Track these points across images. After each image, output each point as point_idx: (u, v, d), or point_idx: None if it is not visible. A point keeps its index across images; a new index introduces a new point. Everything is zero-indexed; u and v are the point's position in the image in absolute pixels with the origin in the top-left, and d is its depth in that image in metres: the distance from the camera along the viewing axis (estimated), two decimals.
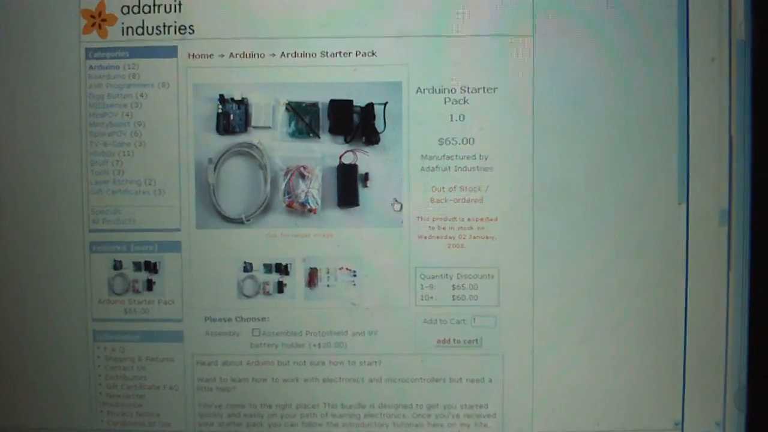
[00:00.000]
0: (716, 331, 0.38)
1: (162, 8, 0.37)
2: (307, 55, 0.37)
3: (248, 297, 0.38)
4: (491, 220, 0.38)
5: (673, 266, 0.38)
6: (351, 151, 0.38)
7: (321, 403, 0.39)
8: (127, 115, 0.38)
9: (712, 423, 0.39)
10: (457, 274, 0.38)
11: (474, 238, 0.38)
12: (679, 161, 0.37)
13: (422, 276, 0.38)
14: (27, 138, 0.38)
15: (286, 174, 0.38)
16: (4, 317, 0.39)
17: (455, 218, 0.38)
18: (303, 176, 0.38)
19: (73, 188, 0.38)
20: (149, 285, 0.39)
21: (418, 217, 0.38)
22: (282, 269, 0.38)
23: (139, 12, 0.38)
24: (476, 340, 0.38)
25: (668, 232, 0.38)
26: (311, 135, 0.38)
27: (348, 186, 0.38)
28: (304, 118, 0.37)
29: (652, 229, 0.38)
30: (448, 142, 0.37)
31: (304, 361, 0.38)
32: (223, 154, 0.38)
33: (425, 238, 0.38)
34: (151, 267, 0.39)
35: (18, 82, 0.38)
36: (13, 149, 0.38)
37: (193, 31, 0.37)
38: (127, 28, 0.38)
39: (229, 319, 0.39)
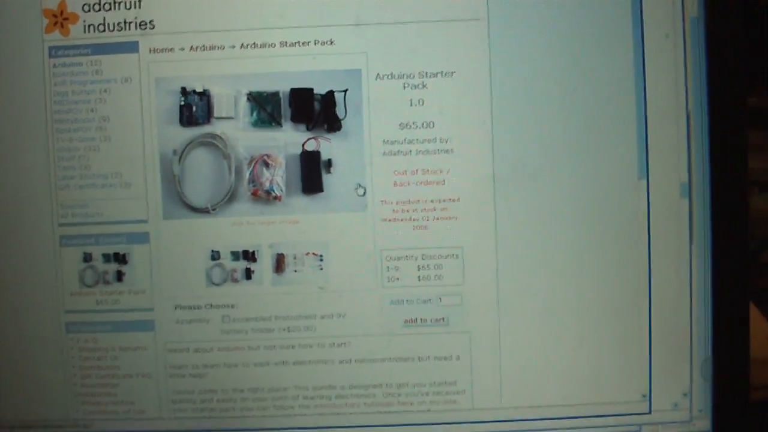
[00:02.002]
0: (680, 303, 0.41)
1: (122, 5, 0.40)
2: (267, 45, 0.40)
3: (217, 284, 0.41)
4: (454, 200, 0.41)
5: (635, 241, 0.41)
6: (313, 138, 0.40)
7: (292, 386, 0.42)
8: (92, 110, 0.41)
9: (679, 394, 0.42)
10: (422, 255, 0.41)
11: (437, 219, 0.41)
12: (637, 137, 0.40)
13: (388, 258, 0.41)
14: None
15: (250, 163, 0.41)
16: None
17: (418, 200, 0.41)
18: (267, 164, 0.41)
19: (41, 184, 0.41)
20: (119, 276, 0.42)
21: (382, 201, 0.41)
22: (249, 256, 0.41)
23: (100, 9, 0.40)
24: (443, 318, 0.41)
25: (629, 207, 0.41)
26: (273, 124, 0.40)
27: (311, 173, 0.40)
28: (265, 108, 0.40)
29: (613, 206, 0.41)
30: (408, 127, 0.40)
31: (274, 345, 0.41)
32: (187, 146, 0.41)
33: (389, 221, 0.41)
34: (120, 258, 0.41)
35: None
36: None
37: (154, 26, 0.40)
38: (89, 25, 0.40)
39: (199, 307, 0.41)
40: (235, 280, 0.41)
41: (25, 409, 0.42)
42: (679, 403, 0.41)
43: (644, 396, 0.41)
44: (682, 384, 0.41)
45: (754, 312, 0.49)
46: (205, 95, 0.40)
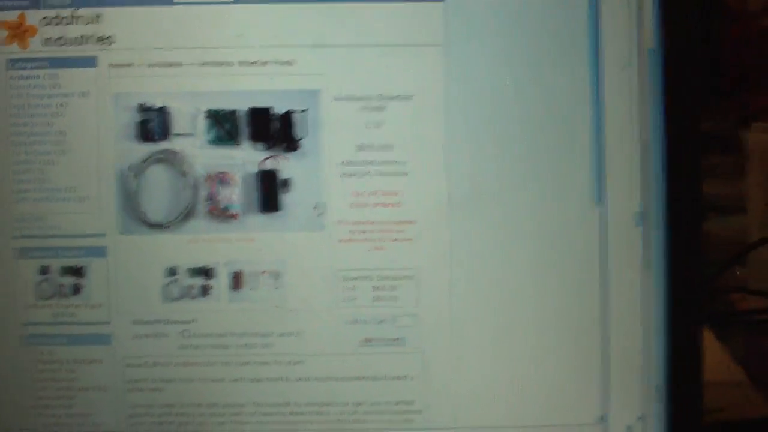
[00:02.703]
0: (635, 328, 0.42)
1: (82, 19, 0.40)
2: (226, 64, 0.41)
3: (174, 300, 0.42)
4: (410, 223, 0.41)
5: (590, 266, 0.41)
6: (271, 157, 0.41)
7: (249, 402, 0.42)
8: (48, 124, 0.41)
9: (635, 417, 0.43)
10: (378, 275, 0.42)
11: (394, 240, 0.41)
12: (594, 164, 0.41)
13: (344, 278, 0.42)
14: None
15: (206, 180, 0.41)
16: None
17: (375, 222, 0.41)
18: (223, 182, 0.41)
19: None
20: (76, 289, 0.42)
21: (339, 222, 0.41)
22: (206, 273, 0.42)
23: (59, 23, 0.41)
24: (398, 339, 0.42)
25: (585, 233, 0.41)
26: (231, 142, 0.41)
27: (269, 192, 0.41)
28: (224, 126, 0.41)
29: (569, 231, 0.41)
30: (366, 149, 0.41)
31: (231, 362, 0.42)
32: (144, 162, 0.41)
33: (346, 241, 0.41)
34: (77, 272, 0.42)
35: None
36: None
37: (113, 41, 0.41)
38: (48, 38, 0.41)
39: (157, 322, 0.42)
40: (193, 297, 0.41)
41: None
42: (633, 427, 0.42)
43: (599, 418, 0.42)
44: (637, 407, 0.42)
45: (709, 335, 0.51)
46: (163, 111, 0.40)
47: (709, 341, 0.54)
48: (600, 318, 0.41)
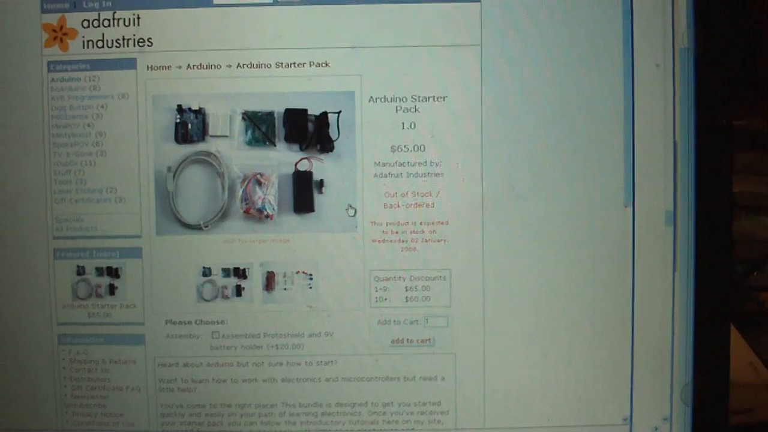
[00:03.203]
0: (663, 329, 0.42)
1: (121, 22, 0.41)
2: (263, 65, 0.41)
3: (207, 300, 0.42)
4: (443, 224, 0.42)
5: (620, 267, 0.42)
6: (306, 158, 0.42)
7: (279, 403, 0.43)
8: (89, 125, 0.42)
9: (660, 418, 0.43)
10: (410, 276, 0.42)
11: (426, 241, 0.42)
12: (625, 165, 0.41)
13: (376, 279, 0.42)
14: None
15: (243, 181, 0.42)
16: None
17: (408, 222, 0.42)
18: (260, 183, 0.42)
19: (37, 197, 0.42)
20: (111, 290, 0.43)
21: (372, 222, 0.42)
22: (240, 273, 0.42)
23: (99, 26, 0.42)
24: (429, 339, 0.43)
25: (615, 233, 0.42)
26: (267, 143, 0.42)
27: (303, 192, 0.42)
28: (260, 127, 0.41)
29: (599, 232, 0.42)
30: (400, 149, 0.42)
31: (263, 362, 0.43)
32: (181, 163, 0.42)
33: (379, 242, 0.42)
34: (113, 272, 0.43)
35: None
36: None
37: (152, 43, 0.41)
38: (88, 41, 0.42)
39: (189, 322, 0.43)
40: (226, 297, 0.42)
41: (16, 419, 0.43)
42: (659, 428, 0.43)
43: (625, 419, 0.42)
44: (662, 408, 0.42)
45: (736, 337, 0.51)
46: (200, 113, 0.41)
47: (738, 342, 0.54)
48: (629, 318, 0.41)
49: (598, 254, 0.41)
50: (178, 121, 0.41)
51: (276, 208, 0.41)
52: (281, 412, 0.42)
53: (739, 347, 0.54)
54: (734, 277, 0.55)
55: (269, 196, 0.41)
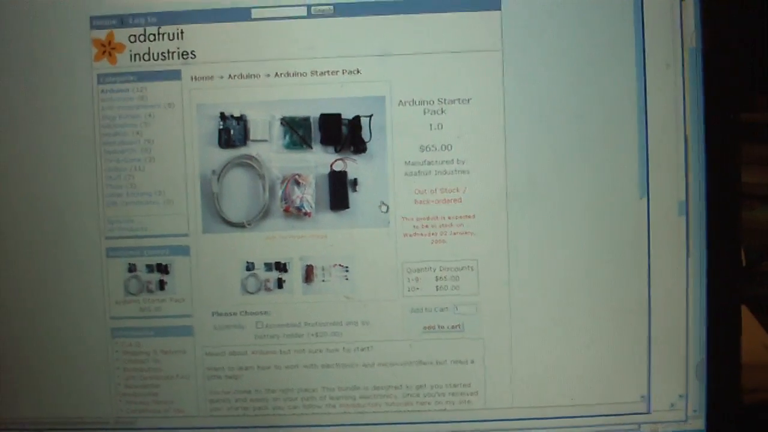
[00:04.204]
0: (677, 311, 0.45)
1: (166, 36, 0.45)
2: (299, 74, 0.44)
3: (251, 293, 0.46)
4: (469, 217, 0.45)
5: (636, 254, 0.45)
6: (341, 159, 0.45)
7: (320, 387, 0.46)
8: (137, 133, 0.45)
9: (676, 395, 0.46)
10: (440, 267, 0.45)
11: (454, 234, 0.45)
12: (639, 159, 0.44)
13: (408, 270, 0.45)
14: (49, 157, 0.45)
15: (282, 182, 0.45)
16: (30, 318, 0.46)
17: (437, 217, 0.45)
18: (298, 183, 0.45)
19: (90, 200, 0.45)
20: (161, 285, 0.46)
21: (403, 218, 0.45)
22: (281, 267, 0.45)
23: (145, 40, 0.45)
24: (459, 325, 0.46)
25: (632, 223, 0.45)
26: (304, 146, 0.45)
27: (339, 191, 0.45)
28: (297, 131, 0.45)
29: (616, 222, 0.45)
30: (428, 149, 0.45)
31: (304, 350, 0.46)
32: (225, 166, 0.45)
33: (410, 235, 0.45)
34: (162, 269, 0.46)
35: (40, 107, 0.44)
36: (36, 167, 0.45)
37: (195, 56, 0.45)
38: (135, 54, 0.45)
39: (235, 314, 0.46)
40: (268, 290, 0.45)
41: (73, 408, 0.46)
42: (675, 404, 0.46)
43: (643, 397, 0.45)
44: (678, 386, 0.45)
45: (751, 320, 0.54)
46: (242, 120, 0.44)
47: (753, 326, 0.57)
48: (645, 302, 0.44)
49: (616, 242, 0.44)
50: (221, 127, 0.44)
51: (313, 206, 0.44)
52: (322, 396, 0.45)
53: (754, 330, 0.57)
54: (749, 263, 0.58)
55: (307, 195, 0.44)
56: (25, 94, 0.45)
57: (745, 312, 0.51)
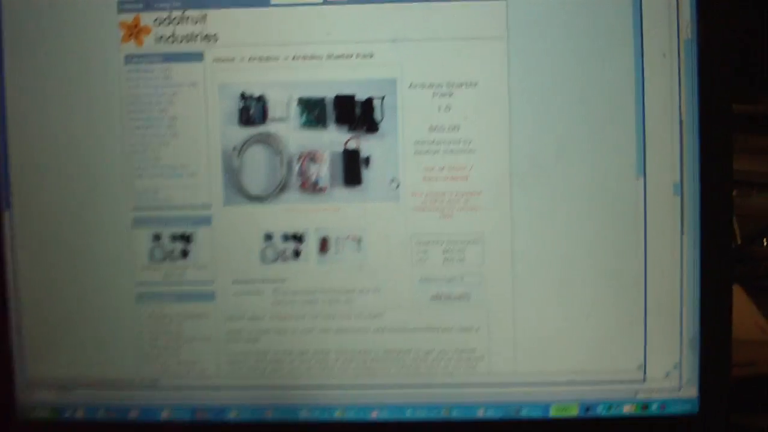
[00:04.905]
0: (672, 286, 0.61)
1: (190, 20, 0.62)
2: (315, 57, 0.62)
3: (269, 262, 0.64)
4: (475, 194, 0.62)
5: (634, 231, 0.61)
6: (354, 138, 0.64)
7: (334, 350, 0.63)
8: (162, 111, 0.62)
9: (671, 365, 0.63)
10: (448, 240, 0.62)
11: (461, 209, 0.63)
12: (636, 142, 0.61)
13: (417, 242, 0.63)
14: (79, 133, 0.62)
15: (299, 158, 0.63)
16: (61, 284, 0.63)
17: (445, 193, 0.62)
18: (314, 160, 0.64)
19: (118, 174, 0.62)
20: (184, 254, 0.64)
21: (413, 193, 0.62)
22: (297, 238, 0.63)
23: (170, 23, 0.63)
24: (465, 295, 0.63)
25: (629, 202, 0.61)
26: (320, 125, 0.63)
27: (352, 168, 0.62)
28: (313, 111, 0.64)
29: (615, 200, 0.61)
30: (437, 129, 0.61)
31: (318, 315, 0.63)
32: (245, 143, 0.63)
33: (419, 210, 0.62)
34: (185, 238, 0.63)
35: (70, 86, 0.61)
36: (67, 143, 0.62)
37: (218, 39, 0.62)
38: (160, 37, 0.62)
39: (254, 281, 0.64)
40: (285, 259, 0.64)
41: (100, 368, 0.65)
42: (670, 373, 0.63)
43: (640, 366, 0.63)
44: (673, 356, 0.63)
45: (744, 298, 0.76)
46: (261, 99, 0.62)
47: (746, 304, 0.79)
48: (642, 277, 0.63)
49: (615, 219, 0.61)
50: (241, 106, 0.62)
51: (328, 181, 0.63)
52: (335, 359, 0.64)
53: (747, 309, 0.78)
54: (744, 245, 0.79)
55: (322, 171, 0.63)
56: (56, 75, 0.62)
57: (741, 292, 0.73)
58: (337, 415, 0.65)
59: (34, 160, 0.64)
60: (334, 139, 0.63)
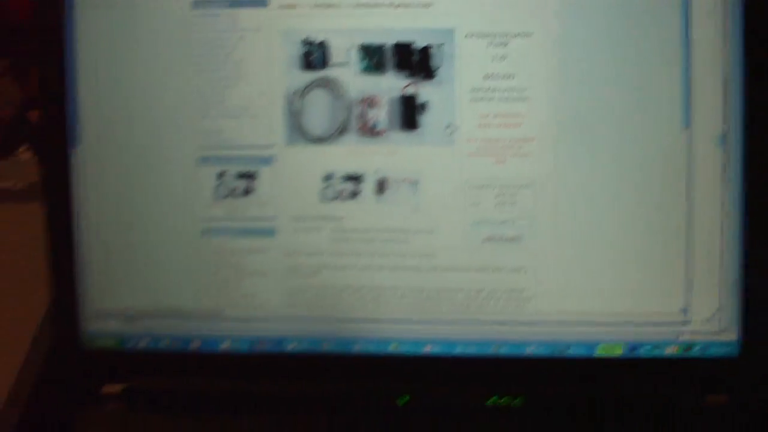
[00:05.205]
0: (715, 232, 0.71)
1: None
2: (377, 5, 0.71)
3: (328, 201, 0.73)
4: (528, 141, 0.72)
5: (679, 178, 0.70)
6: (411, 84, 0.73)
7: (389, 287, 0.73)
8: (227, 55, 0.72)
9: (713, 308, 0.72)
10: (500, 184, 0.72)
11: (514, 155, 0.72)
12: (682, 93, 0.70)
13: (471, 187, 0.72)
14: (147, 75, 0.73)
15: (358, 103, 0.72)
16: (130, 218, 0.74)
17: (498, 140, 0.73)
18: (372, 104, 0.73)
19: (185, 115, 0.73)
20: (247, 191, 0.74)
21: (468, 139, 0.72)
22: (356, 179, 0.72)
23: None
24: (516, 237, 0.73)
25: (674, 152, 0.70)
26: (379, 71, 0.72)
27: (409, 113, 0.71)
28: (373, 57, 0.72)
29: (661, 149, 0.70)
30: (491, 78, 0.71)
31: (374, 254, 0.72)
32: (306, 86, 0.72)
33: (474, 156, 0.72)
34: (248, 176, 0.74)
35: (139, 29, 0.72)
36: (135, 84, 0.73)
37: None
38: None
39: (313, 219, 0.74)
40: (344, 199, 0.73)
41: (164, 300, 0.76)
42: (712, 316, 0.73)
43: (682, 309, 0.73)
44: (715, 300, 0.72)
45: None
46: (323, 45, 0.72)
47: None
48: (686, 224, 0.71)
49: (661, 168, 0.71)
50: (303, 51, 0.72)
51: (386, 125, 0.72)
52: (390, 295, 0.74)
53: None
54: None
55: (380, 115, 0.72)
56: (126, 19, 0.73)
57: None
58: (392, 348, 0.76)
59: (103, 99, 0.75)
60: (392, 84, 0.73)
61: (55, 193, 0.75)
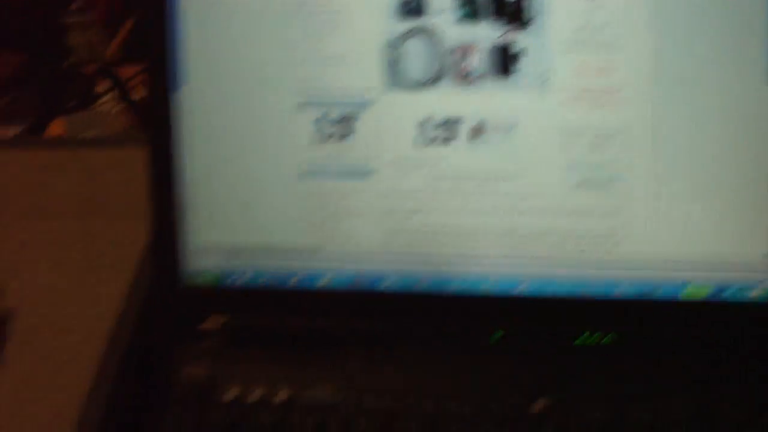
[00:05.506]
0: None
1: None
2: None
3: (424, 146, 0.86)
4: (621, 89, 0.80)
5: (763, 131, 0.83)
6: (507, 33, 0.83)
7: (483, 229, 0.83)
8: (325, 4, 0.84)
9: None
10: (595, 133, 0.83)
11: (606, 104, 0.81)
12: (766, 52, 0.85)
13: (564, 133, 0.83)
14: (252, 23, 0.85)
15: (455, 50, 0.83)
16: (228, 160, 0.85)
17: (592, 89, 0.83)
18: (468, 52, 0.86)
19: (284, 62, 0.84)
20: (344, 136, 0.85)
21: (561, 88, 0.81)
22: (451, 124, 0.84)
23: None
24: (607, 182, 0.83)
25: (759, 105, 0.81)
26: (475, 19, 0.82)
27: (504, 61, 0.81)
28: (470, 6, 0.82)
29: (746, 102, 0.80)
30: (585, 29, 0.80)
31: (469, 197, 0.83)
32: (404, 34, 0.82)
33: (567, 103, 0.83)
34: (347, 120, 0.85)
35: None
36: (237, 32, 0.85)
37: None
38: None
39: (409, 163, 0.85)
40: (439, 143, 0.84)
41: (264, 238, 0.88)
42: None
43: (765, 255, 0.87)
44: None
45: None
46: None
47: None
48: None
49: (746, 121, 0.80)
50: (402, 0, 0.85)
51: (482, 72, 0.84)
52: (483, 237, 0.84)
53: None
54: None
55: (476, 63, 0.83)
56: None
57: None
58: (484, 287, 0.85)
59: (207, 43, 0.86)
60: (488, 33, 0.82)
61: (160, 131, 0.86)
